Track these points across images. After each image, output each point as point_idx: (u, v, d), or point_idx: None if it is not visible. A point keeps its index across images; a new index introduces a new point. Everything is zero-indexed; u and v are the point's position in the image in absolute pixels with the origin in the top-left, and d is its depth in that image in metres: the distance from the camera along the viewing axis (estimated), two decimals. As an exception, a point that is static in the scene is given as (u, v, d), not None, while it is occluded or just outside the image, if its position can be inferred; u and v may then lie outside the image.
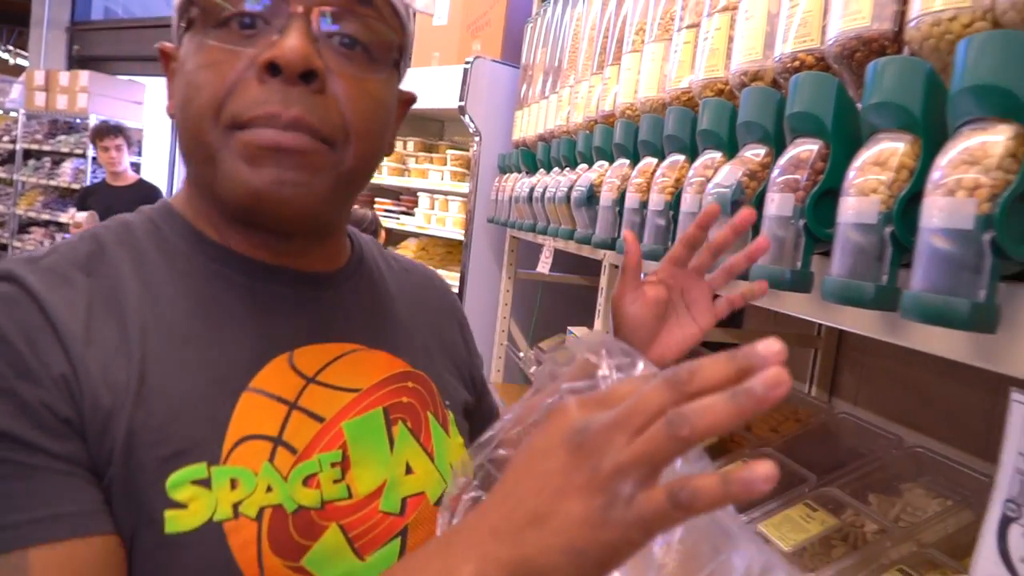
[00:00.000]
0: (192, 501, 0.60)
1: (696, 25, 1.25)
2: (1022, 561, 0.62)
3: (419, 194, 3.54)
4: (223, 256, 0.70)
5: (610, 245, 1.41)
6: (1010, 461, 0.64)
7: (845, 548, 1.18)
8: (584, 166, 1.70)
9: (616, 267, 1.59)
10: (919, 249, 0.65)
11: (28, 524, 0.55)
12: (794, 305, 0.92)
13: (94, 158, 6.30)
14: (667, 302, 0.88)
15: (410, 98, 0.81)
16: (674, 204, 1.15)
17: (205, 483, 0.60)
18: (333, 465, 0.67)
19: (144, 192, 4.60)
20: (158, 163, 7.01)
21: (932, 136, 0.69)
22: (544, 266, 2.40)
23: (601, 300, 1.66)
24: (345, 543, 0.66)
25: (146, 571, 0.59)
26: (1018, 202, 0.59)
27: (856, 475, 1.32)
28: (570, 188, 1.62)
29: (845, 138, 0.81)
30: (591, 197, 1.52)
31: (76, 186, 6.47)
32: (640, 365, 0.53)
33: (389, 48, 0.69)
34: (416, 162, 3.53)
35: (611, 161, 1.52)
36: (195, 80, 0.63)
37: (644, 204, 1.25)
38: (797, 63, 0.94)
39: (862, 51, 0.83)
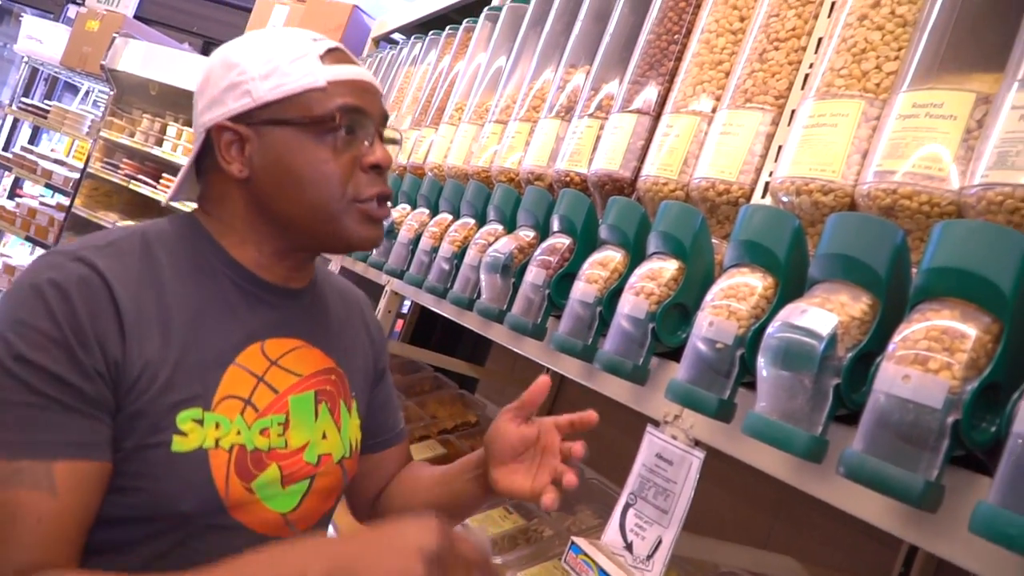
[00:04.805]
0: (191, 432, 0.90)
1: (504, 123, 1.60)
2: (630, 531, 0.98)
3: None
4: (235, 268, 0.99)
5: (399, 275, 1.71)
6: (637, 468, 1.00)
7: (527, 544, 1.54)
8: (387, 204, 1.99)
9: (396, 294, 1.88)
10: (612, 325, 1.01)
11: (59, 444, 0.83)
12: (530, 349, 1.26)
13: None
14: (530, 445, 1.07)
15: None
16: (459, 256, 1.47)
17: (200, 422, 0.90)
18: (279, 424, 0.97)
19: None
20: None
21: (637, 255, 1.06)
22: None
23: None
24: (279, 477, 0.97)
25: (154, 474, 0.88)
26: (672, 309, 0.97)
27: (547, 493, 1.69)
28: (373, 219, 1.91)
29: (588, 241, 1.17)
30: (390, 232, 1.81)
31: None
32: None
33: None
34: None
35: (413, 206, 1.83)
36: (320, 169, 0.95)
37: (435, 249, 1.56)
38: (568, 178, 1.30)
39: (610, 185, 1.21)
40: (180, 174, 1.05)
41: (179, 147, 4.22)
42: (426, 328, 3.11)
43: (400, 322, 3.28)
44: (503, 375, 2.39)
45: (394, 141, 1.07)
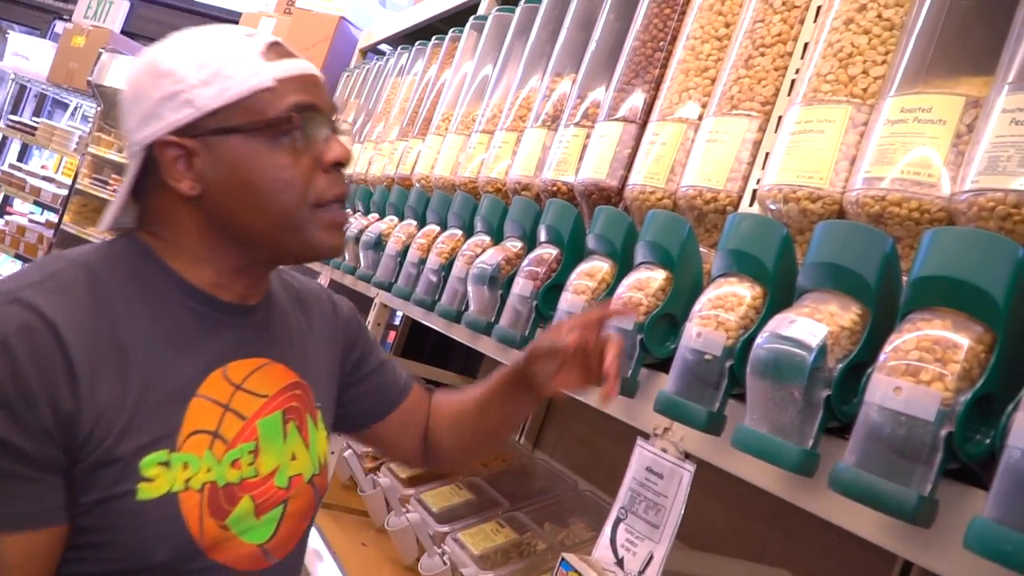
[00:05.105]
0: (157, 477, 0.83)
1: (490, 133, 1.58)
2: (621, 546, 0.96)
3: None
4: (190, 292, 0.91)
5: (387, 287, 1.69)
6: (627, 482, 0.98)
7: (519, 559, 1.52)
8: (375, 215, 1.97)
9: (386, 306, 1.86)
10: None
11: (5, 516, 0.78)
12: (518, 361, 1.24)
13: None
14: (568, 355, 0.98)
15: None
16: (447, 267, 1.45)
17: (166, 464, 0.84)
18: (249, 452, 0.92)
19: None
20: None
21: (625, 265, 1.04)
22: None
23: (366, 331, 1.92)
24: (252, 508, 0.91)
25: (122, 526, 0.82)
26: (660, 320, 0.95)
27: (538, 506, 1.67)
28: (361, 231, 1.89)
29: (575, 251, 1.15)
30: (378, 244, 1.79)
31: None
32: None
33: None
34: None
35: (401, 218, 1.81)
36: (280, 176, 0.88)
37: (422, 261, 1.55)
38: (555, 188, 1.28)
39: (597, 194, 1.19)
40: (118, 198, 0.93)
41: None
42: (418, 340, 3.09)
43: (392, 333, 3.27)
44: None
45: (346, 132, 1.03)
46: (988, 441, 0.60)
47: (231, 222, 0.91)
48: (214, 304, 0.93)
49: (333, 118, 0.94)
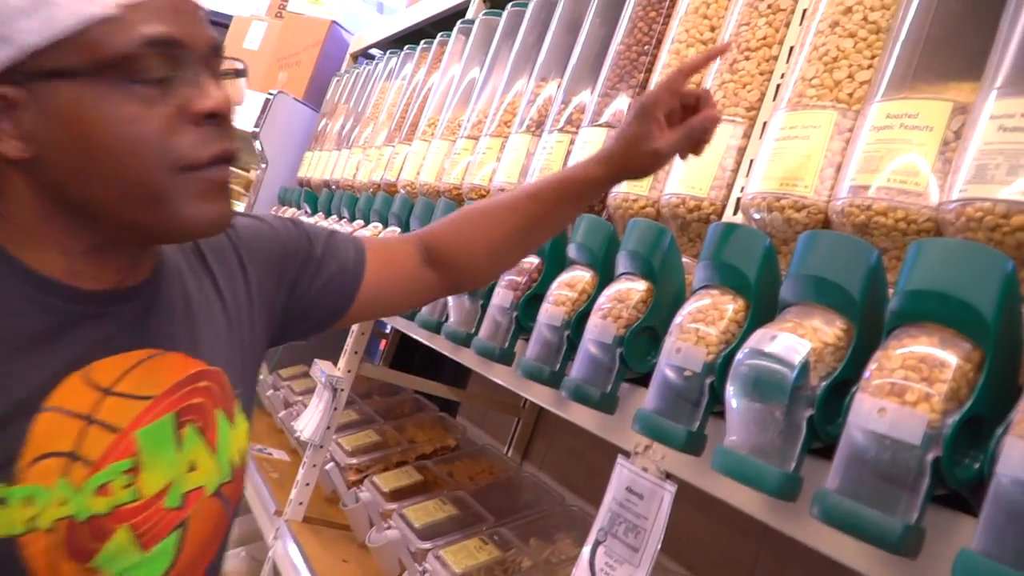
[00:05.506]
0: None
1: (475, 138, 1.55)
2: (600, 571, 0.92)
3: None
4: (36, 282, 0.73)
5: (369, 296, 1.65)
6: (607, 503, 0.95)
7: (503, 576, 1.48)
8: (360, 222, 1.94)
9: (369, 315, 1.82)
10: (579, 350, 0.96)
11: None
12: (499, 374, 1.21)
13: None
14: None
15: None
16: (428, 276, 1.41)
17: (1, 502, 0.68)
18: (124, 472, 0.74)
19: None
20: None
21: (606, 275, 1.01)
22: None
23: (349, 340, 1.89)
24: (131, 540, 0.74)
25: None
26: (641, 333, 0.91)
27: (524, 521, 1.63)
28: (345, 239, 1.86)
29: (556, 261, 1.12)
30: (361, 252, 1.76)
31: None
32: None
33: None
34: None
35: (385, 225, 1.78)
36: (129, 132, 0.69)
37: (405, 270, 1.51)
38: (538, 195, 1.25)
39: (580, 202, 1.15)
40: None
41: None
42: (408, 351, 3.05)
43: (383, 341, 3.23)
44: (485, 397, 2.33)
45: (237, 73, 0.79)
46: (977, 465, 0.57)
47: (71, 193, 0.71)
48: (70, 295, 0.74)
49: (213, 57, 0.74)
